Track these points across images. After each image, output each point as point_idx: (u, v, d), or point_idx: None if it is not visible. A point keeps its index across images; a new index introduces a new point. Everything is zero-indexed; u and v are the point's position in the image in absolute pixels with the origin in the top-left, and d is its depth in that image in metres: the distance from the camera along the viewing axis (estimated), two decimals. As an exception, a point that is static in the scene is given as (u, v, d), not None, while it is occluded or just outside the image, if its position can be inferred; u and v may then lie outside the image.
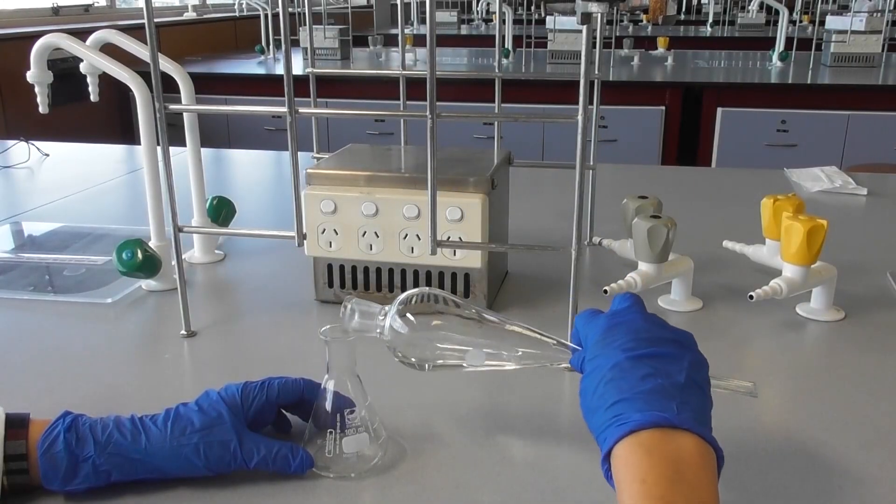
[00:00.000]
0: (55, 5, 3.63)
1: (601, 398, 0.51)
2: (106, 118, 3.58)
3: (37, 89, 1.05)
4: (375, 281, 0.92)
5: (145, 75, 0.86)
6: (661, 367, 0.52)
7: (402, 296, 0.63)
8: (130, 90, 0.93)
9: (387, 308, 0.63)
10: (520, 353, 0.61)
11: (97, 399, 0.73)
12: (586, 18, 0.69)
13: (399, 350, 0.63)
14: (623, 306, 0.59)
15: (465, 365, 0.62)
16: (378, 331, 0.63)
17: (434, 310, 0.62)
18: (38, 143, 1.81)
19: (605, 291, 0.87)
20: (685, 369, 0.52)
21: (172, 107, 0.79)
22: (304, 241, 0.85)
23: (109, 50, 0.97)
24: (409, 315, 0.62)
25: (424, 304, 0.62)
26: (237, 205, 1.16)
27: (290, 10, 3.70)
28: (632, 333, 0.54)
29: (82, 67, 1.04)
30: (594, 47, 0.97)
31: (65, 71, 1.65)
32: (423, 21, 6.13)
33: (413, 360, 0.63)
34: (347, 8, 4.08)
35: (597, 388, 0.52)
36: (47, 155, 1.78)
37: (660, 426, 0.47)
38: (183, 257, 0.86)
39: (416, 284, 0.90)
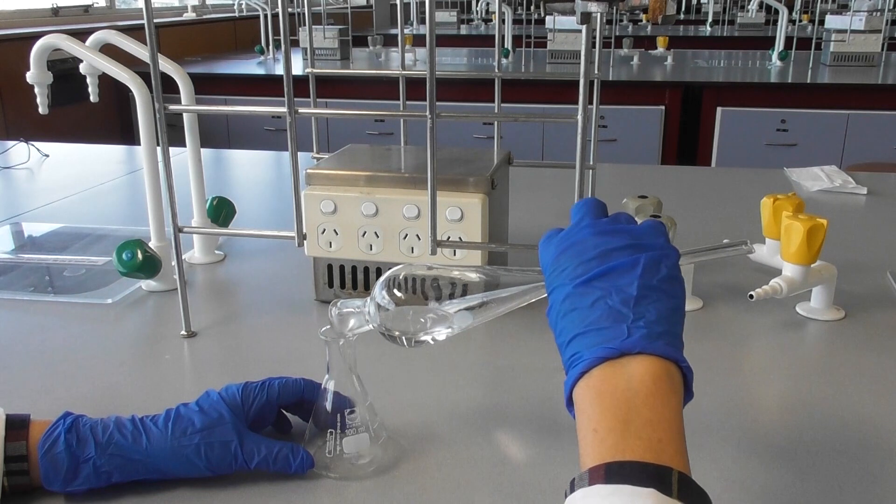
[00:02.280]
0: (55, 6, 3.63)
1: (560, 335, 0.49)
2: (106, 119, 3.58)
3: (36, 90, 1.05)
4: (375, 281, 0.91)
5: (145, 76, 0.86)
6: (611, 284, 0.48)
7: (386, 274, 0.61)
8: (130, 91, 0.93)
9: (370, 294, 0.62)
10: (507, 297, 0.59)
11: (98, 400, 0.73)
12: (586, 18, 0.69)
13: (385, 325, 0.61)
14: (574, 221, 0.54)
15: (453, 331, 0.60)
16: (367, 320, 0.61)
17: (418, 285, 0.61)
18: (38, 144, 1.81)
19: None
20: (637, 276, 0.48)
21: (172, 107, 0.79)
22: (304, 242, 0.85)
23: (109, 50, 0.97)
24: (395, 291, 0.60)
25: (409, 294, 0.61)
26: (237, 205, 1.16)
27: (290, 10, 3.70)
28: (579, 256, 0.50)
29: (82, 68, 1.04)
30: (594, 47, 0.97)
31: (64, 72, 1.65)
32: (422, 21, 6.13)
33: (397, 333, 0.60)
34: (347, 8, 4.08)
35: (556, 325, 0.50)
36: (47, 156, 1.78)
37: (610, 358, 0.45)
38: (183, 258, 0.86)
39: (416, 284, 0.90)
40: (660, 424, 0.42)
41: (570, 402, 0.47)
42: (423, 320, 0.60)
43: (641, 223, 0.53)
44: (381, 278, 0.61)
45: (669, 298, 0.49)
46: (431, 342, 0.61)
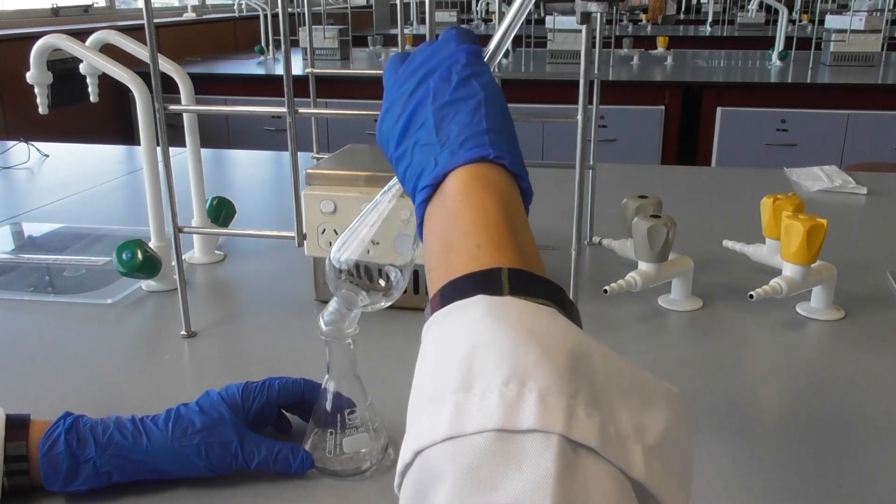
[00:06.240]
0: (55, 6, 3.63)
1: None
2: (106, 119, 3.58)
3: (36, 90, 1.05)
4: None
5: (145, 76, 0.86)
6: (415, 123, 0.47)
7: (329, 261, 0.57)
8: (130, 91, 0.93)
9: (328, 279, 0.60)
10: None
11: (98, 400, 0.73)
12: (586, 18, 0.69)
13: (350, 306, 0.58)
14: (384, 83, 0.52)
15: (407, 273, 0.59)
16: (349, 308, 0.59)
17: (363, 269, 0.59)
18: (38, 144, 1.81)
19: (605, 291, 0.87)
20: (430, 104, 0.46)
21: (172, 107, 0.79)
22: (304, 242, 0.85)
23: (109, 51, 0.97)
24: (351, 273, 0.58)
25: (358, 277, 0.58)
26: (237, 205, 1.16)
27: (290, 10, 3.70)
28: (392, 125, 0.49)
29: (82, 68, 1.04)
30: (594, 47, 0.97)
31: (64, 72, 1.65)
32: (422, 21, 6.13)
33: (356, 311, 0.59)
34: (347, 8, 4.08)
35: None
36: (47, 156, 1.78)
37: (430, 198, 0.44)
38: (183, 258, 0.86)
39: (416, 284, 0.90)
40: (476, 232, 0.40)
41: None
42: (378, 293, 0.58)
43: (430, 47, 0.50)
44: (328, 265, 0.57)
45: (466, 102, 0.47)
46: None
